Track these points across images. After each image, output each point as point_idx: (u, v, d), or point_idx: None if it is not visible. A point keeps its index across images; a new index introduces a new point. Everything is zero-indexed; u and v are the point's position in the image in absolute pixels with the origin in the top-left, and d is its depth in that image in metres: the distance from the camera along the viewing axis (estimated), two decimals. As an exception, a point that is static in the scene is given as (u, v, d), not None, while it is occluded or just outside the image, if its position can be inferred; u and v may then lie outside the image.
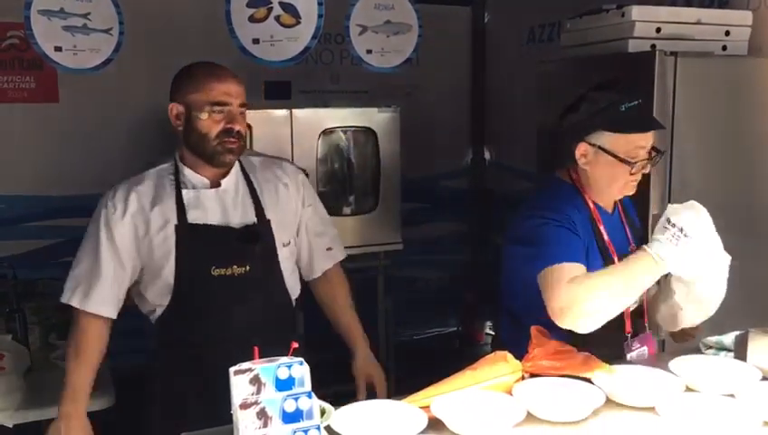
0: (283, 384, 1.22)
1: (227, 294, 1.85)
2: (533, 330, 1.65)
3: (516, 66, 4.54)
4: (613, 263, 1.79)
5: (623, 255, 1.79)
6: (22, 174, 3.85)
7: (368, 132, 3.77)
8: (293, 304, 2.05)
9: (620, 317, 1.75)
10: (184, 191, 1.87)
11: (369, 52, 3.46)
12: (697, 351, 1.86)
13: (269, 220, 1.92)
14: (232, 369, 1.23)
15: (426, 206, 4.76)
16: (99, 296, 1.84)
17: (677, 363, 1.67)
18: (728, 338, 1.82)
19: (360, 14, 3.38)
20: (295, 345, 1.34)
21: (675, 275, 1.68)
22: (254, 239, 1.88)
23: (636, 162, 1.77)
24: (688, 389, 1.57)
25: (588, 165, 1.83)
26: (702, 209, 1.66)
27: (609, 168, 1.80)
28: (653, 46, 2.62)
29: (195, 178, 1.89)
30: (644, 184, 2.41)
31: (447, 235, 4.97)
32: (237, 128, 1.84)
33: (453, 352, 4.80)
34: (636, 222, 2.07)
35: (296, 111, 3.55)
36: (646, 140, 1.79)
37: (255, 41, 2.68)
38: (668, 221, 1.64)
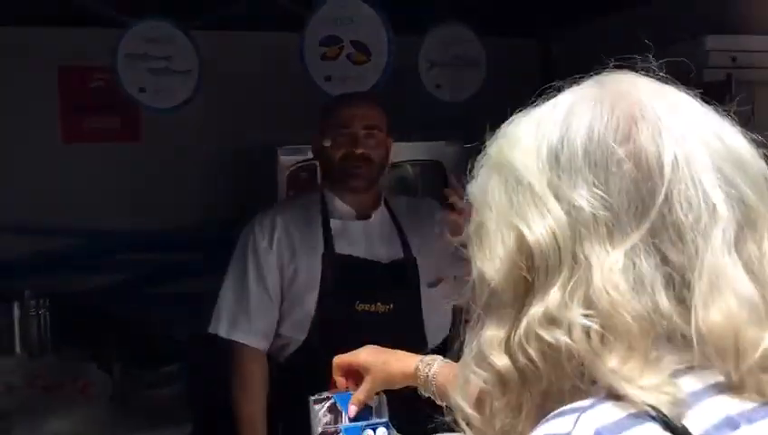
0: (360, 414, 1.23)
1: (370, 332, 1.71)
2: None
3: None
4: None
5: None
6: (107, 210, 4.02)
7: (436, 165, 3.80)
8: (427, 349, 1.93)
9: None
10: (332, 221, 1.85)
11: (438, 86, 3.51)
12: None
13: (415, 259, 1.86)
14: (311, 398, 1.25)
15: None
16: (246, 326, 1.82)
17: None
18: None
19: (428, 50, 3.44)
20: None
21: None
22: (402, 276, 1.82)
23: None
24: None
25: None
26: None
27: None
28: (728, 75, 2.57)
29: (342, 209, 1.87)
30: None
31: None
32: (360, 151, 1.80)
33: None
34: None
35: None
36: None
37: (328, 78, 2.76)
38: None
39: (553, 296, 0.64)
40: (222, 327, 1.85)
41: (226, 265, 3.88)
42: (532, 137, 0.70)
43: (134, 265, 4.04)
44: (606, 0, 4.13)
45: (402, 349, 1.75)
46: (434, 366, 1.21)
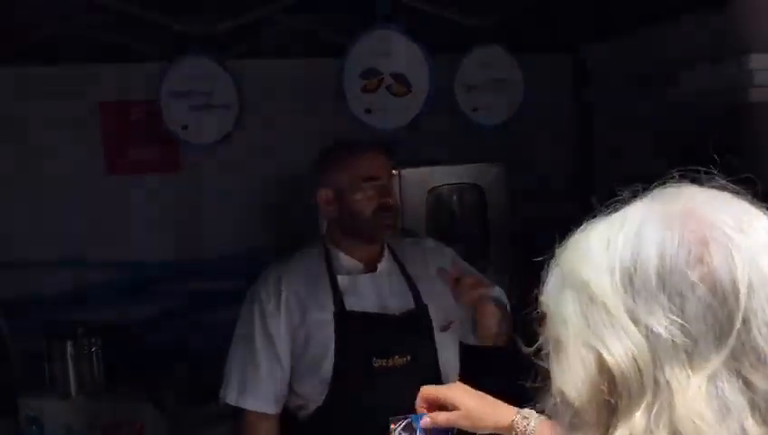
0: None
1: (388, 388, 1.70)
2: None
3: (623, 114, 4.46)
4: None
5: None
6: (146, 240, 4.08)
7: (474, 188, 3.79)
8: None
9: None
10: (339, 277, 1.77)
11: (474, 110, 3.50)
12: None
13: (426, 305, 1.80)
14: (391, 418, 1.26)
15: (535, 259, 4.71)
16: (256, 392, 1.75)
17: None
18: None
19: (464, 73, 3.44)
20: None
21: None
22: (416, 326, 1.76)
23: None
24: None
25: None
26: None
27: None
28: (776, 94, 2.54)
29: (349, 263, 1.80)
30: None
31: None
32: (392, 202, 1.77)
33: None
34: None
35: (403, 171, 3.61)
36: None
37: (368, 111, 2.77)
38: None
39: (639, 422, 0.64)
40: (231, 395, 1.78)
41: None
42: (603, 255, 0.70)
43: (178, 295, 4.08)
44: (639, 15, 4.12)
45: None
46: (531, 422, 1.19)
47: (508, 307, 1.93)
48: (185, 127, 3.13)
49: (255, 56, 3.59)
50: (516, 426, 1.20)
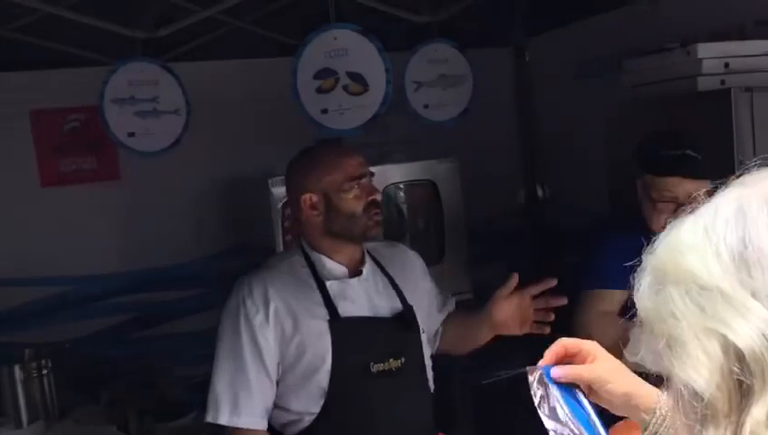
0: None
1: (386, 393, 1.72)
2: None
3: (563, 103, 4.55)
4: None
5: None
6: (90, 254, 3.92)
7: (428, 185, 3.78)
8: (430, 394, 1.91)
9: None
10: (328, 283, 1.74)
11: (426, 106, 3.50)
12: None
13: (411, 306, 1.81)
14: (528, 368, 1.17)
15: (486, 248, 4.76)
16: (249, 409, 1.70)
17: None
18: None
19: (414, 71, 3.42)
20: None
21: None
22: (408, 327, 1.76)
23: (660, 203, 2.07)
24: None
25: (641, 198, 2.19)
26: None
27: (648, 204, 2.14)
28: (722, 82, 2.60)
29: (336, 269, 1.77)
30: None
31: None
32: (379, 197, 1.79)
33: (527, 396, 4.73)
34: None
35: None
36: (676, 186, 2.05)
37: (324, 111, 2.72)
38: None
39: None
40: (223, 416, 1.72)
41: (220, 301, 3.91)
42: (703, 242, 0.70)
43: (129, 308, 3.94)
44: (578, 6, 4.20)
45: (412, 400, 1.77)
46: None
47: None
48: (131, 134, 3.01)
49: (203, 59, 3.48)
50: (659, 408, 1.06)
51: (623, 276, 2.07)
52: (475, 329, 1.85)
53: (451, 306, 1.97)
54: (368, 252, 1.87)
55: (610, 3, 3.92)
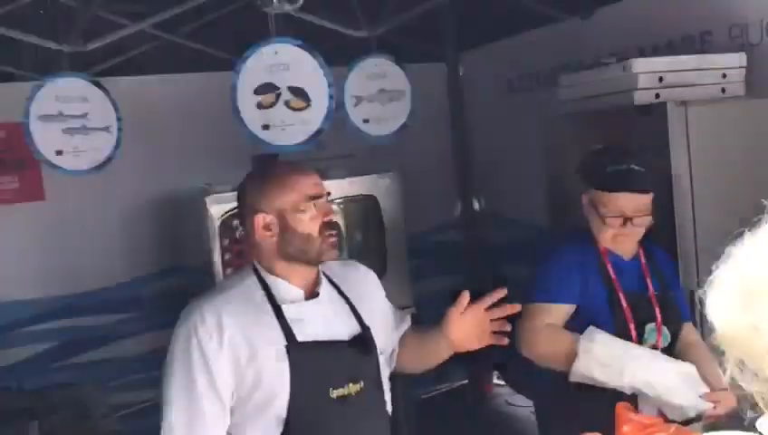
0: None
1: (344, 420, 1.65)
2: (619, 408, 1.62)
3: (497, 117, 4.61)
4: (617, 297, 2.10)
5: (634, 297, 2.11)
6: (10, 278, 3.71)
7: (369, 199, 3.75)
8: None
9: None
10: (284, 307, 1.65)
11: (365, 121, 3.48)
12: None
13: (369, 328, 1.72)
14: None
15: (424, 262, 4.76)
16: None
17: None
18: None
19: (354, 85, 3.40)
20: None
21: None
22: (366, 350, 1.68)
23: (608, 218, 2.06)
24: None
25: (587, 215, 2.16)
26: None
27: (595, 220, 2.12)
28: (657, 96, 2.68)
29: (291, 292, 1.68)
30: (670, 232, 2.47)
31: (445, 288, 4.94)
32: (335, 219, 1.74)
33: (466, 407, 4.75)
34: (665, 272, 2.22)
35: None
36: (623, 201, 2.05)
37: (265, 127, 2.65)
38: None
39: None
40: None
41: (161, 322, 3.75)
42: None
43: (57, 334, 3.74)
44: (510, 22, 4.27)
45: (372, 425, 1.69)
46: None
47: None
48: (59, 152, 2.87)
49: (134, 73, 3.36)
50: None
51: (570, 290, 2.10)
52: (433, 347, 1.81)
53: (407, 324, 1.91)
54: (323, 272, 1.79)
55: (542, 19, 4.01)
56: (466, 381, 4.98)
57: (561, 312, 2.10)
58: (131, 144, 3.22)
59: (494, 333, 1.74)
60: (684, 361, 2.05)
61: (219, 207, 3.33)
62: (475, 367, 4.92)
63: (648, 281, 2.16)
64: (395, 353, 1.88)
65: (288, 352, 1.60)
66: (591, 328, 2.02)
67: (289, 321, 1.63)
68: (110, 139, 2.97)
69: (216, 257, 3.34)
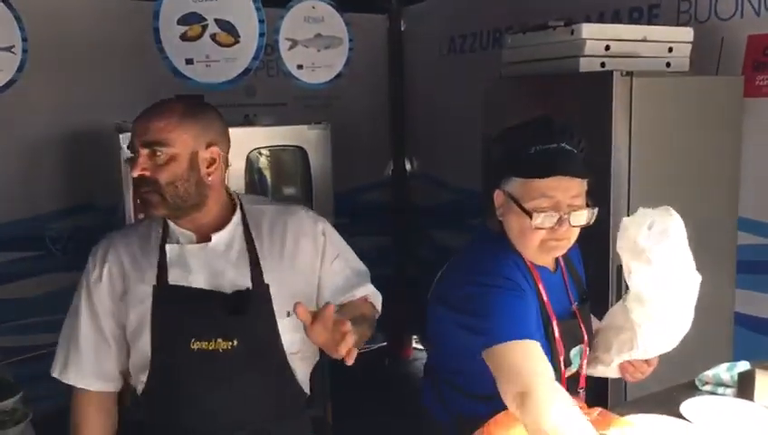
0: None
1: (209, 375, 1.56)
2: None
3: (437, 76, 4.48)
4: (552, 328, 1.60)
5: (563, 317, 1.64)
6: None
7: (298, 150, 3.57)
8: (306, 392, 1.72)
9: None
10: (168, 247, 1.60)
11: (299, 67, 3.28)
12: (692, 386, 1.83)
13: (267, 285, 1.59)
14: None
15: (351, 220, 4.63)
16: (76, 366, 1.64)
17: (689, 408, 1.62)
18: (724, 372, 1.79)
19: (289, 28, 3.19)
20: None
21: (633, 290, 1.55)
22: (244, 309, 1.56)
23: (539, 214, 1.51)
24: (714, 439, 1.51)
25: (503, 216, 1.60)
26: (676, 219, 1.53)
27: (517, 220, 1.56)
28: (602, 65, 2.59)
29: (179, 232, 1.61)
30: (604, 208, 2.41)
31: (372, 249, 4.84)
32: (137, 174, 1.52)
33: (383, 370, 4.69)
34: (581, 274, 1.81)
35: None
36: (556, 189, 1.52)
37: (189, 61, 2.44)
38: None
39: None
40: (56, 367, 1.67)
41: (64, 263, 3.52)
42: None
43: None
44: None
45: (264, 385, 1.59)
46: None
47: (378, 307, 1.76)
48: (-46, 71, 2.58)
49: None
50: None
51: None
52: None
53: (353, 296, 1.69)
54: (244, 216, 1.65)
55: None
56: (385, 343, 4.92)
57: (533, 349, 1.46)
58: (40, 69, 2.93)
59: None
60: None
61: (134, 146, 3.10)
62: (393, 331, 4.88)
63: (570, 293, 1.71)
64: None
65: (154, 292, 1.57)
66: None
67: (169, 263, 1.58)
68: (13, 60, 2.69)
69: (128, 199, 3.11)
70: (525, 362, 1.41)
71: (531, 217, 1.51)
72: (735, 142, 2.78)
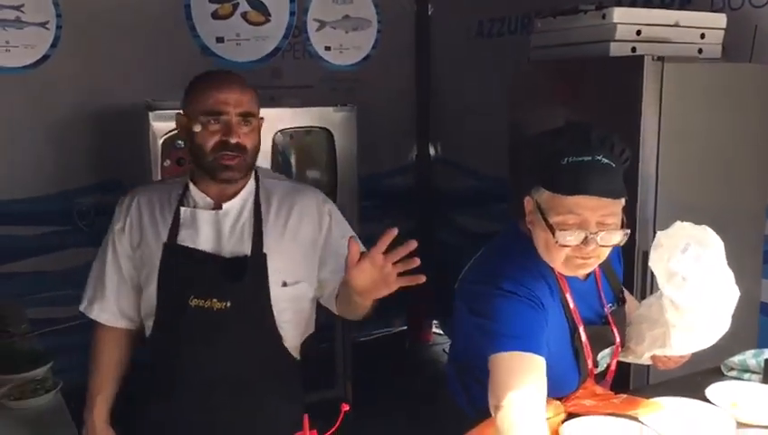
0: None
1: (203, 330, 1.70)
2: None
3: (464, 60, 4.46)
4: (578, 334, 1.57)
5: (593, 323, 1.60)
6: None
7: (324, 132, 3.58)
8: (294, 356, 1.82)
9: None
10: (182, 209, 1.73)
11: (327, 48, 3.29)
12: (717, 372, 1.82)
13: (265, 255, 1.71)
14: None
15: (373, 204, 4.63)
16: (100, 304, 1.82)
17: (716, 392, 1.62)
18: (750, 358, 1.78)
19: (318, 8, 3.20)
20: (346, 408, 1.19)
21: (667, 295, 1.50)
22: (239, 274, 1.68)
23: (563, 232, 1.42)
24: (740, 424, 1.51)
25: (531, 224, 1.51)
26: (713, 242, 1.48)
27: (543, 233, 1.47)
28: (633, 49, 2.57)
29: (198, 197, 1.75)
30: (632, 193, 2.39)
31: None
32: (235, 140, 1.64)
33: (404, 353, 4.71)
34: (618, 271, 1.75)
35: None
36: (585, 208, 1.42)
37: (220, 39, 2.46)
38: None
39: None
40: (83, 303, 1.86)
41: (89, 238, 3.56)
42: None
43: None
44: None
45: (250, 345, 1.71)
46: None
47: None
48: (-11, 46, 2.62)
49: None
50: None
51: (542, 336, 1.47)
52: (350, 298, 1.66)
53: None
54: (258, 188, 1.76)
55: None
56: (406, 327, 4.94)
57: (535, 364, 1.42)
58: (72, 45, 2.97)
59: (404, 274, 1.51)
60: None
61: (163, 125, 3.12)
62: (414, 315, 4.89)
63: (603, 298, 1.65)
64: (332, 296, 1.77)
65: (163, 250, 1.71)
66: None
67: (182, 224, 1.71)
68: (47, 36, 2.72)
69: (156, 176, 3.15)
70: (509, 377, 1.38)
71: (552, 233, 1.43)
72: (766, 131, 2.74)
